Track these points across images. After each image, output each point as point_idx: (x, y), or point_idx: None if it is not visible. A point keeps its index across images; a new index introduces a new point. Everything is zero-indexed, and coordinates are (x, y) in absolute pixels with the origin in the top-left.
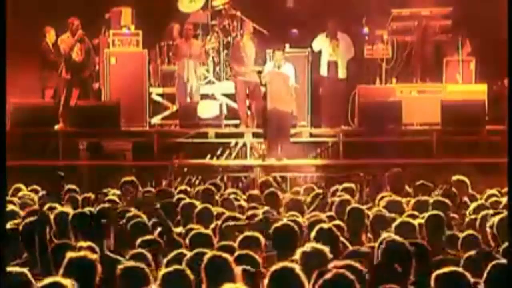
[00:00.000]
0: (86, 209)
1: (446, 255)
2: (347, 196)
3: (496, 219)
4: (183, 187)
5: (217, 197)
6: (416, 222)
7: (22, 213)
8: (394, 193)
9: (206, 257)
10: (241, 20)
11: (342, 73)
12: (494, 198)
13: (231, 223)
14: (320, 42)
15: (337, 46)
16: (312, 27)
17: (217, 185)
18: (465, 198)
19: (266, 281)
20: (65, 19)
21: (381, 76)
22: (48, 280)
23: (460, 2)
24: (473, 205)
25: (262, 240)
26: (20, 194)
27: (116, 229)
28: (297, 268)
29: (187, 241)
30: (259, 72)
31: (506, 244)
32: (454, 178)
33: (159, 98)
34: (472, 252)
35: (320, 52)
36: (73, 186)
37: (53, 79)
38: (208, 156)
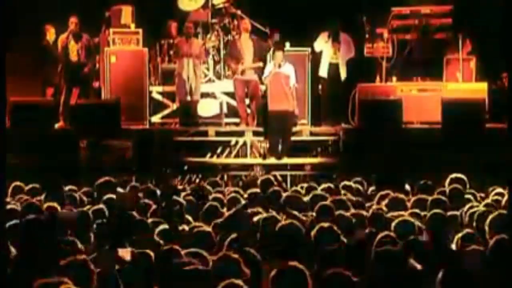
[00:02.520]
0: None
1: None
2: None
3: (493, 216)
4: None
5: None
6: (416, 221)
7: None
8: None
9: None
10: (242, 19)
11: (343, 75)
12: (497, 197)
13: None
14: (321, 44)
15: (338, 49)
16: (313, 26)
17: (217, 183)
18: (465, 196)
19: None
20: (65, 17)
21: (381, 74)
22: None
23: (461, 0)
24: (472, 203)
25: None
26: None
27: None
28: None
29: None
30: (261, 71)
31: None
32: (453, 176)
33: (159, 97)
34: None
35: (321, 53)
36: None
37: (53, 77)
38: (208, 154)
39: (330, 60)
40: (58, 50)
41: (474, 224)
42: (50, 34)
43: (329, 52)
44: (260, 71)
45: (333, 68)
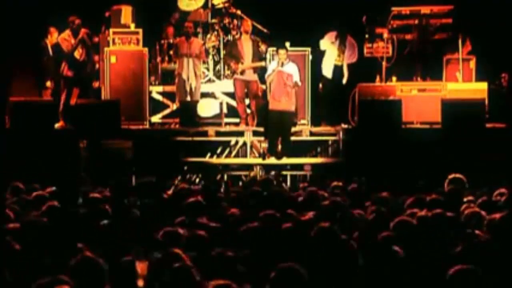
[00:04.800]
0: None
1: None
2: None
3: (494, 217)
4: None
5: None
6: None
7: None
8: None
9: None
10: (243, 19)
11: (345, 78)
12: (497, 197)
13: None
14: (327, 44)
15: (343, 52)
16: (313, 26)
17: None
18: (464, 196)
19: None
20: (65, 17)
21: (381, 74)
22: None
23: (461, 0)
24: (471, 204)
25: None
26: None
27: None
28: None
29: None
30: (262, 70)
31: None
32: (451, 176)
33: (159, 97)
34: None
35: (325, 52)
36: None
37: (53, 77)
38: (208, 154)
39: (335, 62)
40: (64, 49)
41: (473, 224)
42: (53, 36)
43: (333, 53)
44: (260, 71)
45: (338, 70)
